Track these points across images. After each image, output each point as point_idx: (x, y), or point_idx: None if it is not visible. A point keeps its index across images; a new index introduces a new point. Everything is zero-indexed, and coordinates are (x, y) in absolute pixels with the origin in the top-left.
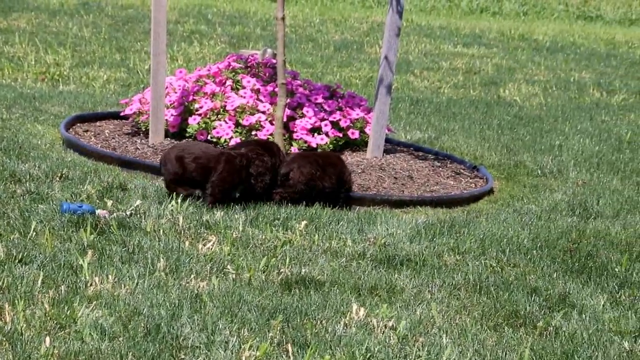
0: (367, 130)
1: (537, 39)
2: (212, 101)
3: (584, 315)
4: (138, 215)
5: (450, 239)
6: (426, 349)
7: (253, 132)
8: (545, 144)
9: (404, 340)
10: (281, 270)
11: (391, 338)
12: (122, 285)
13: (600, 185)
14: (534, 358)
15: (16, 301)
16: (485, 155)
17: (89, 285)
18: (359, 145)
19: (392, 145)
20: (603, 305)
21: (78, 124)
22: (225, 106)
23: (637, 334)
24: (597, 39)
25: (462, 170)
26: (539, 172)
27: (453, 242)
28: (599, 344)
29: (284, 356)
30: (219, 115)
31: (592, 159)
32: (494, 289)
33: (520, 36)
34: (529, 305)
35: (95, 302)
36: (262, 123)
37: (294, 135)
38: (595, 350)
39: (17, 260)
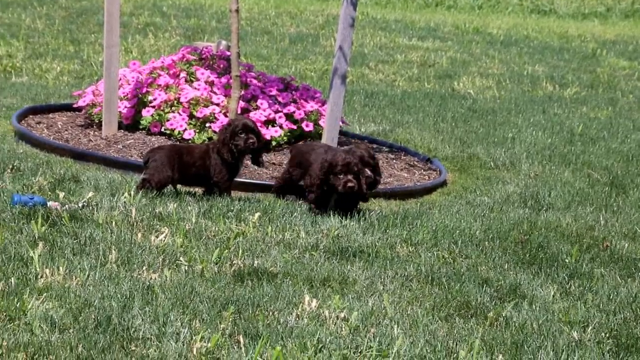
0: (321, 122)
1: (492, 33)
2: (166, 93)
3: (534, 306)
4: (90, 207)
5: (403, 230)
6: (377, 339)
7: (207, 124)
8: (498, 136)
9: (355, 331)
10: (234, 261)
11: (343, 329)
12: (73, 277)
13: (552, 177)
14: (485, 348)
15: None
16: (439, 147)
17: (39, 277)
18: (314, 137)
19: (346, 138)
20: (553, 296)
21: (30, 116)
22: (179, 98)
23: (585, 324)
24: (550, 33)
25: (415, 163)
26: (492, 164)
27: (406, 234)
28: (549, 334)
29: (235, 347)
30: (173, 107)
31: (544, 152)
32: (445, 280)
33: (475, 30)
34: (480, 296)
35: (45, 294)
36: (216, 115)
37: None
38: (545, 340)
39: None
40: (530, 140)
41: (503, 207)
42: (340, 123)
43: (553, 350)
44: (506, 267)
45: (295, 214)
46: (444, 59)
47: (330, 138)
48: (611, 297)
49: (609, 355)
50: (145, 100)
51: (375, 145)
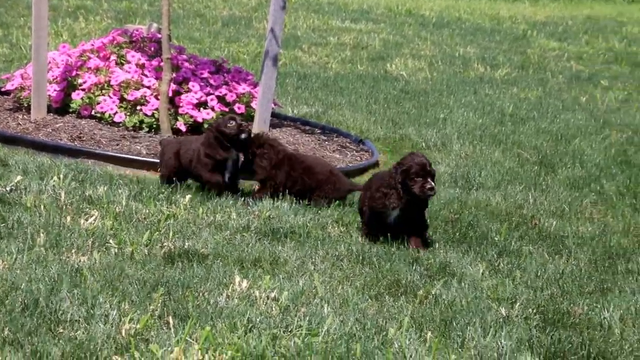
0: (253, 104)
1: (424, 15)
2: (96, 76)
3: (463, 284)
4: (18, 191)
5: (334, 211)
6: (308, 318)
7: (138, 107)
8: (430, 117)
9: (285, 310)
10: (164, 244)
11: (273, 309)
12: (0, 261)
13: (482, 157)
14: (414, 325)
15: None
16: (372, 128)
17: None
18: (246, 119)
19: (279, 120)
20: (482, 274)
21: None
22: (109, 81)
23: (513, 300)
24: (482, 15)
25: (348, 144)
26: (424, 144)
27: (337, 214)
28: (477, 311)
29: (164, 328)
30: (103, 90)
31: (475, 132)
32: (376, 260)
33: (408, 12)
34: (410, 275)
35: None
36: (147, 98)
37: (180, 110)
38: (473, 317)
39: None
40: (462, 121)
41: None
42: (273, 105)
43: (481, 327)
44: (436, 245)
45: (226, 196)
46: (376, 41)
47: (262, 120)
48: (539, 273)
49: (536, 330)
50: (75, 83)
51: (307, 127)
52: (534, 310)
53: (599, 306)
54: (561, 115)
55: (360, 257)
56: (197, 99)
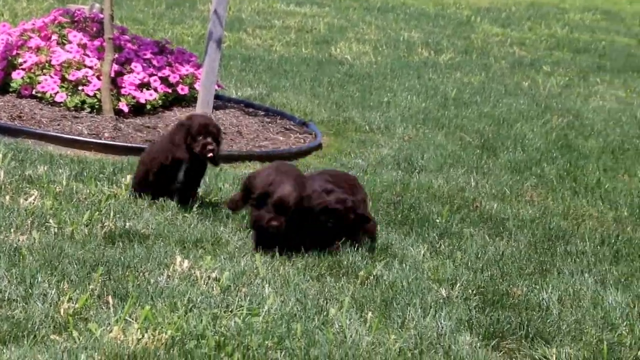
0: (196, 86)
1: None
2: (37, 56)
3: (404, 265)
4: None
5: None
6: (248, 298)
7: (79, 87)
8: (373, 100)
9: (227, 290)
10: (105, 224)
11: (214, 289)
12: None
13: (425, 140)
14: (355, 305)
15: None
16: (315, 111)
17: None
18: (189, 101)
19: (222, 102)
20: (423, 255)
21: None
22: (50, 61)
23: (454, 281)
24: (426, 0)
25: (291, 126)
26: (367, 128)
27: None
28: (417, 291)
29: (104, 307)
30: (44, 70)
31: (418, 115)
32: None
33: None
34: (352, 256)
35: None
36: (89, 78)
37: (122, 91)
38: (414, 297)
39: None
40: (405, 105)
41: (377, 169)
42: (216, 87)
43: (421, 307)
44: (378, 227)
45: None
46: (321, 25)
47: (205, 102)
48: (479, 255)
49: (476, 311)
50: (16, 62)
51: (251, 109)
52: (474, 291)
53: (537, 287)
54: (503, 100)
55: None
56: (139, 79)
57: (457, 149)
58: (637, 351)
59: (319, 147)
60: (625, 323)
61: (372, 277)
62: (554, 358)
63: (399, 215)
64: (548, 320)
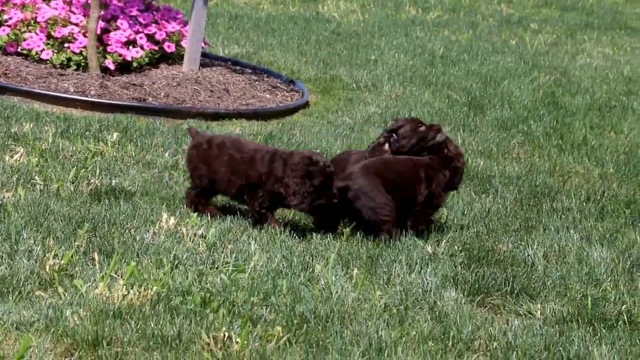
0: (183, 43)
1: None
2: (22, 12)
3: None
4: None
5: None
6: (234, 255)
7: (65, 45)
8: (361, 58)
9: (213, 247)
10: (91, 181)
11: (200, 246)
12: None
13: (412, 98)
14: (340, 262)
15: None
16: (303, 69)
17: None
18: (175, 58)
19: (209, 60)
20: None
21: None
22: (36, 18)
23: (439, 238)
24: None
25: (278, 84)
26: (354, 86)
27: None
28: (403, 248)
29: (89, 264)
30: (30, 27)
31: (405, 73)
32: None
33: None
34: None
35: None
36: (75, 35)
37: (109, 49)
38: (400, 254)
39: None
40: (393, 63)
41: (364, 127)
42: (203, 44)
43: (407, 264)
44: None
45: (156, 134)
46: None
47: (192, 59)
48: (465, 212)
49: (461, 267)
50: (1, 19)
51: (238, 67)
52: (460, 248)
53: (523, 244)
54: (491, 58)
55: None
56: (126, 37)
57: (444, 107)
58: (621, 306)
59: (306, 105)
60: (609, 278)
61: (358, 234)
62: (539, 313)
63: None
64: (533, 277)
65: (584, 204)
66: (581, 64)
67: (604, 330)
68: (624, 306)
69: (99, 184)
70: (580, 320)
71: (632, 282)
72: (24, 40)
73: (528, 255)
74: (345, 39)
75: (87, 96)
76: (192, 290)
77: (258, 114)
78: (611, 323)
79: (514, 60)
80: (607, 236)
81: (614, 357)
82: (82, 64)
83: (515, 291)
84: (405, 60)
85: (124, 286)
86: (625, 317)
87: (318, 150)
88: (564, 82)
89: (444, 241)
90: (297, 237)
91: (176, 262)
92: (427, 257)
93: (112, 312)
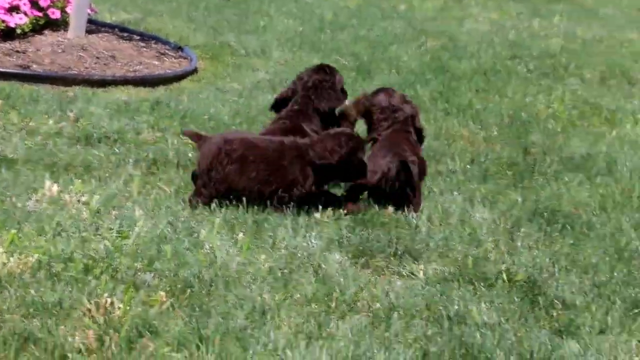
0: (68, 9)
1: None
2: None
3: None
4: None
5: (150, 116)
6: (119, 221)
7: None
8: (250, 25)
9: (97, 214)
10: None
11: (84, 212)
12: None
13: (301, 64)
14: (226, 227)
15: None
16: (191, 36)
17: None
18: (61, 25)
19: (96, 26)
20: None
21: None
22: None
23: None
24: None
25: (167, 51)
26: (243, 52)
27: (153, 120)
28: (289, 212)
29: None
30: None
31: (294, 39)
32: (190, 164)
33: None
34: None
35: None
36: None
37: None
38: (285, 219)
39: None
40: (282, 29)
41: (252, 93)
42: (89, 11)
43: (292, 228)
44: None
45: (40, 101)
46: None
47: (78, 26)
48: None
49: (346, 231)
50: None
51: (126, 34)
52: (345, 212)
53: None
54: (379, 23)
55: (176, 162)
56: (8, 3)
57: None
58: (501, 265)
59: (194, 71)
60: (490, 239)
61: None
62: (421, 274)
63: None
64: (417, 238)
65: (468, 166)
66: (468, 29)
67: (483, 289)
68: (504, 265)
69: None
70: (461, 280)
71: (512, 242)
72: None
73: (412, 217)
74: (235, 5)
75: None
76: (75, 257)
77: (145, 81)
78: (491, 282)
79: (402, 25)
80: (490, 198)
81: (492, 315)
82: None
83: (399, 253)
84: (294, 26)
85: (4, 254)
86: (505, 276)
87: (206, 117)
88: (451, 47)
89: (331, 207)
90: (182, 203)
91: (59, 229)
92: (313, 221)
93: None
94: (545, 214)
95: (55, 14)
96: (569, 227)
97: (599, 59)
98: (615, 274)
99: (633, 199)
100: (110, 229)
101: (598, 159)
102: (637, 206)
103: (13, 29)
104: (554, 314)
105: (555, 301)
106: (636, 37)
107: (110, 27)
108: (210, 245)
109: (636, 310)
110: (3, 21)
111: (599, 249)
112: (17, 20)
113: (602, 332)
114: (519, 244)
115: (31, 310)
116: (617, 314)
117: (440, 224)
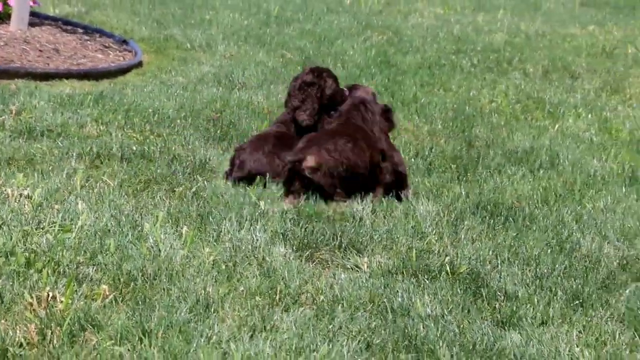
0: (10, 2)
1: None
2: None
3: (220, 181)
4: None
5: (94, 110)
6: (61, 215)
7: None
8: (195, 18)
9: (39, 207)
10: None
11: (26, 206)
12: None
13: (246, 57)
14: (170, 220)
15: None
16: (136, 29)
17: None
18: (3, 18)
19: (39, 19)
20: None
21: None
22: None
23: (272, 196)
24: None
25: (111, 44)
26: (189, 45)
27: (97, 113)
28: (234, 206)
29: None
30: None
31: (240, 33)
32: (135, 158)
33: None
34: (169, 171)
35: None
36: None
37: None
38: (230, 212)
39: None
40: (227, 22)
41: (197, 86)
42: (32, 3)
43: (237, 221)
44: (197, 144)
45: None
46: None
47: (20, 18)
48: None
49: (291, 224)
50: None
51: (69, 27)
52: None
53: (356, 200)
54: (325, 17)
55: (120, 156)
56: None
57: (278, 66)
58: (445, 257)
59: (139, 64)
60: (434, 231)
61: (189, 192)
62: (365, 267)
63: (219, 132)
64: (361, 231)
65: (413, 159)
66: (413, 24)
67: (427, 282)
68: (447, 258)
69: None
70: (405, 272)
71: (456, 235)
72: None
73: (357, 210)
74: None
75: None
76: (16, 251)
77: (89, 74)
78: (434, 274)
79: (348, 20)
80: (434, 191)
81: (436, 307)
82: None
83: (343, 245)
84: (240, 20)
85: None
86: (448, 268)
87: (150, 110)
88: (396, 41)
89: (276, 198)
90: (126, 196)
91: (0, 222)
92: (257, 213)
93: None
94: (489, 206)
95: None
96: (511, 220)
97: (542, 53)
98: (557, 265)
99: (574, 192)
100: (53, 222)
101: (541, 152)
102: (578, 199)
103: None
104: (497, 305)
105: (498, 293)
106: (578, 32)
107: (54, 20)
108: (154, 238)
109: (577, 302)
110: None
111: (541, 241)
112: None
113: (543, 323)
114: (462, 236)
115: None
116: (559, 305)
117: (385, 217)
